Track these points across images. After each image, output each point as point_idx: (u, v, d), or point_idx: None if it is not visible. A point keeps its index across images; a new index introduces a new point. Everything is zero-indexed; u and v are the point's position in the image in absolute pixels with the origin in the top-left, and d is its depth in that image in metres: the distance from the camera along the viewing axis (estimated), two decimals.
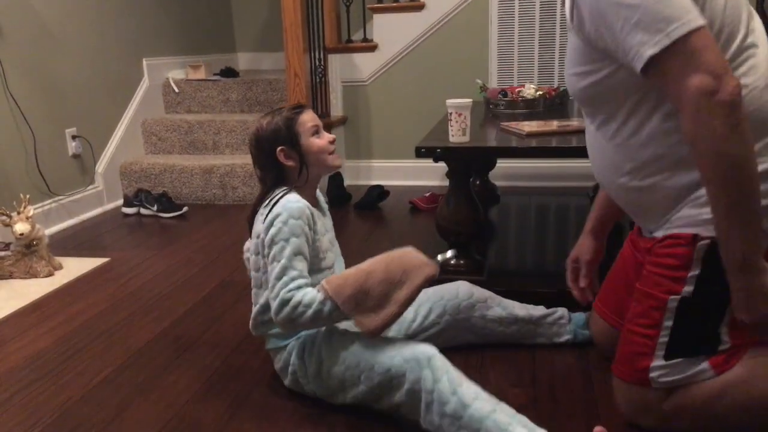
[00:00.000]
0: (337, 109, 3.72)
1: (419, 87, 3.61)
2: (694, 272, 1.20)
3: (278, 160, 1.47)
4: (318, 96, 3.47)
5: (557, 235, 2.65)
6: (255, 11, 4.73)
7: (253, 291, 1.52)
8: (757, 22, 1.21)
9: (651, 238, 1.34)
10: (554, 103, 2.64)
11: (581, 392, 1.49)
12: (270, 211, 1.42)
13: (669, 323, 1.23)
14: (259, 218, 1.46)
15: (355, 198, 3.32)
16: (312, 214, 1.45)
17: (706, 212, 1.16)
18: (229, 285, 2.26)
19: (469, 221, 2.05)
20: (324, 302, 1.37)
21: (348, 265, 1.49)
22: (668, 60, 1.08)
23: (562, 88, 2.75)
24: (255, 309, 1.51)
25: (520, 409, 1.24)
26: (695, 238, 1.19)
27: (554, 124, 2.16)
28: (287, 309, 1.36)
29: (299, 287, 1.37)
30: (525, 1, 3.38)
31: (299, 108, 1.51)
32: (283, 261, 1.38)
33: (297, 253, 1.39)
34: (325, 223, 1.56)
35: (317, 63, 3.46)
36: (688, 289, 1.21)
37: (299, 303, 1.36)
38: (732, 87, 1.04)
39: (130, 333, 1.92)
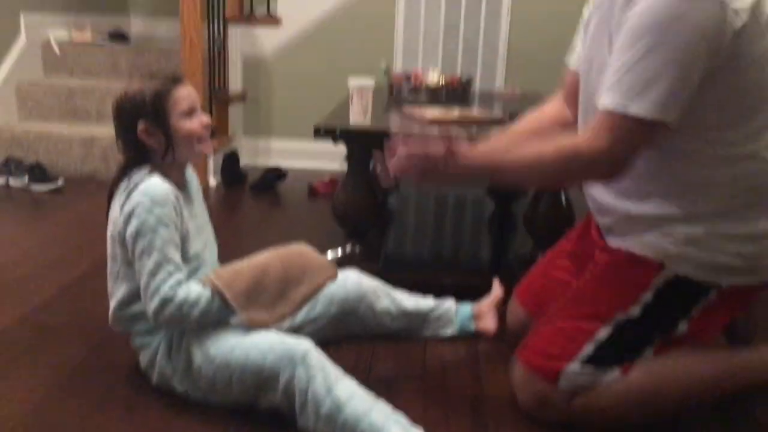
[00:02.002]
0: (236, 84, 3.54)
1: (323, 65, 3.50)
2: (647, 297, 1.20)
3: (139, 137, 1.30)
4: (216, 68, 3.28)
5: (454, 225, 2.65)
6: None
7: (109, 284, 1.37)
8: None
9: (605, 240, 1.32)
10: (456, 92, 2.62)
11: (471, 385, 1.46)
12: (128, 196, 1.27)
13: (602, 337, 1.23)
14: (116, 203, 1.30)
15: (251, 178, 3.18)
16: (178, 199, 1.30)
17: (676, 247, 1.17)
18: (104, 267, 2.07)
19: (367, 208, 1.99)
20: (212, 298, 1.26)
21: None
22: (614, 114, 1.08)
23: (465, 78, 2.74)
24: (113, 303, 1.37)
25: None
26: (661, 267, 1.18)
27: (456, 112, 2.13)
28: (171, 308, 1.24)
29: (179, 283, 1.25)
30: None
31: (175, 80, 1.32)
32: (155, 255, 1.24)
33: (169, 244, 1.25)
34: (192, 209, 1.40)
35: (216, 33, 3.26)
36: (635, 310, 1.21)
37: (184, 301, 1.24)
38: (596, 174, 1.15)
39: None
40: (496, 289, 1.71)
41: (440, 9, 3.37)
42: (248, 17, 3.52)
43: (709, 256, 1.16)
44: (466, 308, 1.68)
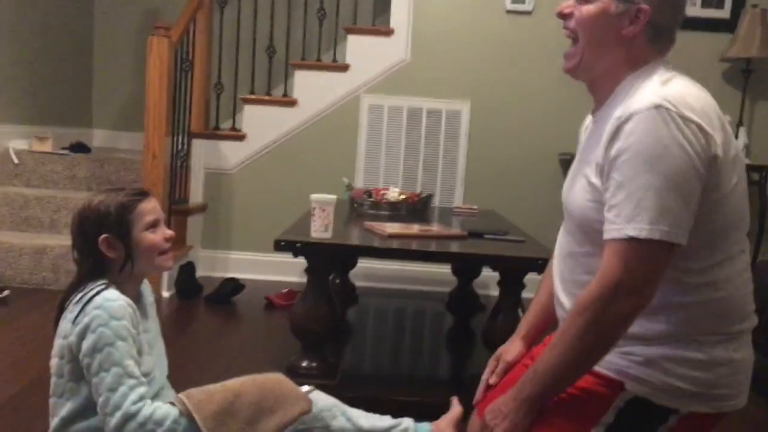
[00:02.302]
0: (197, 196, 3.56)
1: (285, 181, 3.56)
2: (609, 419, 1.19)
3: (99, 249, 1.28)
4: (177, 180, 3.31)
5: (413, 341, 2.62)
6: (118, 87, 4.52)
7: (52, 400, 1.29)
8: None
9: None
10: (416, 208, 2.68)
11: None
12: (82, 309, 1.22)
13: None
14: (68, 315, 1.25)
15: (207, 290, 3.12)
16: (134, 312, 1.27)
17: (635, 368, 1.17)
18: (46, 383, 1.95)
19: (325, 321, 1.96)
20: (179, 419, 1.20)
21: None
22: (630, 243, 1.08)
23: (424, 194, 2.82)
24: (54, 422, 1.27)
25: None
26: (622, 386, 1.18)
27: (415, 228, 2.17)
28: (133, 425, 1.17)
29: (142, 398, 1.19)
30: (393, 110, 3.51)
31: (141, 194, 1.32)
32: (114, 369, 1.18)
33: (128, 357, 1.20)
34: (146, 323, 1.36)
35: (180, 146, 3.32)
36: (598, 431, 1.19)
37: (148, 419, 1.17)
38: (631, 306, 1.09)
39: None
40: (455, 407, 1.67)
41: (401, 128, 3.52)
42: (213, 131, 3.61)
43: (666, 379, 1.16)
44: (425, 427, 1.63)
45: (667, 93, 1.09)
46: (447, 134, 3.53)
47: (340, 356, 2.25)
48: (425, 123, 3.51)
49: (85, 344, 1.20)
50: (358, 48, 3.51)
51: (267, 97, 3.58)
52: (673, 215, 1.07)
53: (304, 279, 2.02)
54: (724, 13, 3.42)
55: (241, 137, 3.56)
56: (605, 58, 1.19)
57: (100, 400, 1.19)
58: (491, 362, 1.55)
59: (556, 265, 1.36)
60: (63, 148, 3.77)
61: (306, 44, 3.67)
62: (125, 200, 1.29)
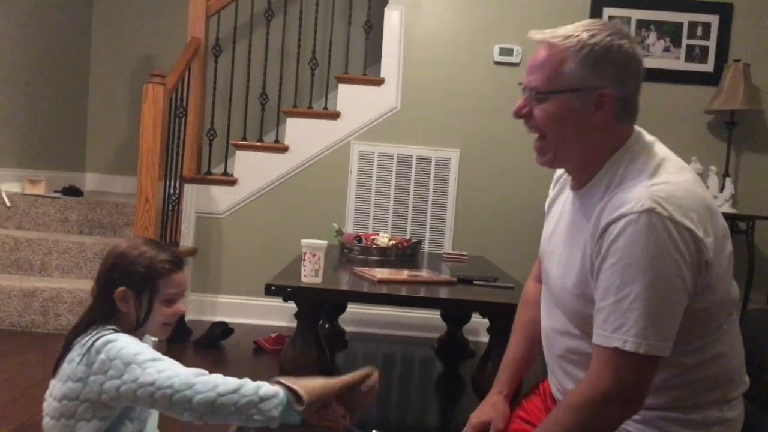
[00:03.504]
0: (187, 240, 3.57)
1: (276, 225, 3.60)
2: None
3: (114, 298, 1.28)
4: (168, 224, 3.33)
5: (402, 387, 2.61)
6: (111, 131, 4.58)
7: None
8: None
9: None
10: (406, 254, 2.72)
11: None
12: (89, 351, 1.20)
13: None
14: (76, 358, 1.22)
15: (196, 334, 3.11)
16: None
17: (633, 425, 1.17)
18: (35, 426, 1.94)
19: (314, 366, 1.96)
20: (259, 385, 1.21)
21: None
22: (617, 353, 1.06)
23: (414, 240, 2.85)
24: None
25: None
26: None
27: (405, 273, 2.20)
28: (205, 378, 1.16)
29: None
30: (383, 157, 3.57)
31: (177, 264, 1.32)
32: (152, 363, 1.17)
33: (157, 354, 1.20)
34: None
35: (172, 191, 3.35)
36: None
37: (218, 376, 1.17)
38: (621, 413, 1.09)
39: None
40: None
41: (391, 175, 3.58)
42: (204, 176, 3.65)
43: None
44: None
45: (658, 192, 1.05)
46: (436, 181, 3.59)
47: None
48: (415, 170, 3.58)
49: (113, 371, 1.18)
50: (349, 96, 3.60)
51: (259, 143, 3.64)
52: (660, 327, 1.05)
53: (293, 323, 2.03)
54: (708, 67, 3.52)
55: (232, 182, 3.60)
56: (580, 148, 1.16)
57: (146, 378, 1.16)
58: (473, 427, 1.46)
59: (545, 331, 1.35)
60: (56, 192, 3.79)
61: (298, 92, 3.76)
62: (161, 265, 1.29)
